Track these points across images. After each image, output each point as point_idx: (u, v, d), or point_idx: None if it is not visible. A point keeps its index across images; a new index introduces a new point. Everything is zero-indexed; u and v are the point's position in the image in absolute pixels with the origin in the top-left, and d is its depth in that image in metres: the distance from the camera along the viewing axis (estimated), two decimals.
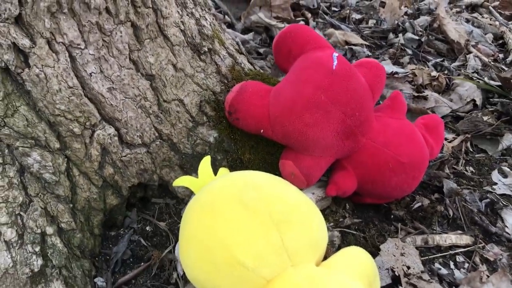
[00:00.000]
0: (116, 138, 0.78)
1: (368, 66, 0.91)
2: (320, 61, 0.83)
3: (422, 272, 0.81)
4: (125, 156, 0.80)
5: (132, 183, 0.83)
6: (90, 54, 0.72)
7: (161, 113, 0.82)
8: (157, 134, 0.83)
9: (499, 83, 1.41)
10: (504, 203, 1.04)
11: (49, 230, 0.73)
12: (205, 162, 0.75)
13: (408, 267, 0.81)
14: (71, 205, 0.77)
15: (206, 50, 0.88)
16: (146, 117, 0.81)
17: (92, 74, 0.73)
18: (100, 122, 0.76)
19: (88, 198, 0.79)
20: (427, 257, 0.89)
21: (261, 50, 1.58)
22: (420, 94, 1.35)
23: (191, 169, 0.87)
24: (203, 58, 0.87)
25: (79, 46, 0.71)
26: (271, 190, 0.63)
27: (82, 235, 0.78)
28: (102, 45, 0.73)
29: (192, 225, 0.62)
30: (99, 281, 0.78)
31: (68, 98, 0.72)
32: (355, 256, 0.65)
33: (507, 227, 0.99)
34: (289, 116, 0.81)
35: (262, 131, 0.84)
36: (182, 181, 0.74)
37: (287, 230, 0.58)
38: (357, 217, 0.94)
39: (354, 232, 0.90)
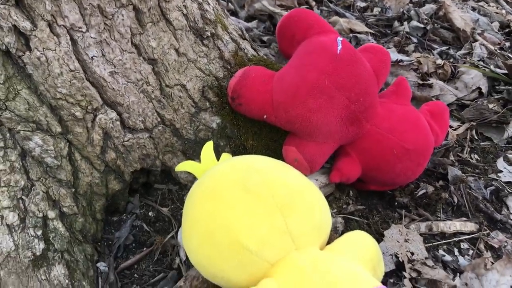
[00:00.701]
0: (118, 122, 0.78)
1: (373, 51, 0.89)
2: (324, 45, 0.82)
3: (426, 258, 0.80)
4: (127, 141, 0.80)
5: (135, 168, 0.83)
6: (91, 37, 0.72)
7: (163, 98, 0.81)
8: (159, 119, 0.82)
9: (505, 71, 1.39)
10: (509, 191, 1.03)
11: (51, 214, 0.73)
12: (208, 147, 0.75)
13: (412, 253, 0.81)
14: (73, 190, 0.76)
15: (209, 34, 0.87)
16: (149, 102, 0.80)
17: (94, 57, 0.73)
18: (102, 106, 0.76)
19: (90, 182, 0.79)
20: (431, 244, 0.89)
21: (265, 38, 1.56)
22: (425, 82, 1.34)
23: (194, 155, 0.86)
24: (205, 43, 0.86)
25: (80, 29, 0.70)
26: (274, 174, 0.63)
27: (84, 220, 0.78)
28: (104, 28, 0.73)
29: (195, 209, 0.62)
30: (101, 266, 0.78)
31: (70, 82, 0.71)
32: (359, 240, 0.65)
33: None
34: (292, 101, 0.80)
35: (265, 116, 0.83)
36: (184, 166, 0.74)
37: (291, 213, 0.58)
38: (361, 204, 0.94)
39: (358, 219, 0.90)
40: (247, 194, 0.59)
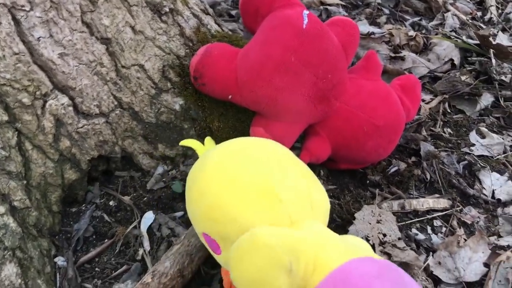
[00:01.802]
0: (70, 108, 0.73)
1: (341, 24, 0.85)
2: (289, 19, 0.77)
3: (398, 239, 0.78)
4: (81, 128, 0.75)
5: (92, 156, 0.78)
6: (36, 16, 0.67)
7: (119, 80, 0.76)
8: (116, 103, 0.77)
9: (477, 42, 1.37)
10: (482, 165, 1.02)
11: (0, 209, 0.67)
12: (210, 139, 0.74)
13: (384, 235, 0.79)
14: (25, 182, 0.71)
15: (168, 10, 0.81)
16: (103, 85, 0.75)
17: (41, 38, 0.68)
18: (52, 91, 0.71)
19: (44, 173, 0.74)
20: (404, 223, 0.87)
21: (233, 12, 1.51)
22: (397, 55, 1.31)
23: (156, 139, 0.82)
24: (164, 19, 0.81)
25: (23, 8, 0.65)
26: (285, 150, 0.64)
27: (38, 213, 0.73)
28: (50, 6, 0.68)
29: (220, 159, 0.59)
30: (59, 260, 0.74)
31: (14, 66, 0.66)
32: (355, 239, 0.63)
33: (484, 188, 0.98)
34: (257, 80, 0.76)
35: (230, 96, 0.79)
36: (189, 142, 0.71)
37: (311, 184, 0.59)
38: (332, 183, 0.91)
39: (329, 199, 0.87)
40: (275, 155, 0.60)
